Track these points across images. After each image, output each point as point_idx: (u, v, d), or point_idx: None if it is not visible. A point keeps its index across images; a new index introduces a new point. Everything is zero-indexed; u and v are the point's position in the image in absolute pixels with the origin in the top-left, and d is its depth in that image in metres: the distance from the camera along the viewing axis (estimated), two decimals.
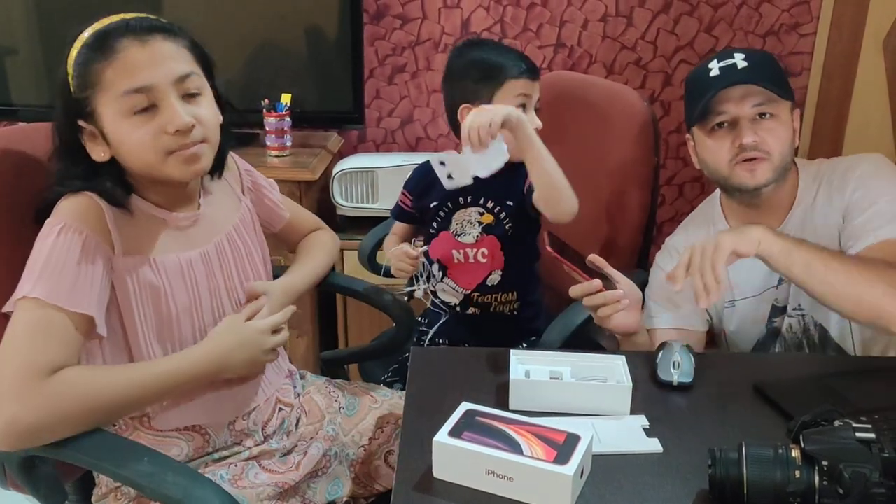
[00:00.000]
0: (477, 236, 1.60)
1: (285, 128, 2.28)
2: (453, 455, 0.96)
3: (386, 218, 2.04)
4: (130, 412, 1.15)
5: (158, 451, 1.08)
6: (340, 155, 2.54)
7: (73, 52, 1.10)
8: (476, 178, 1.37)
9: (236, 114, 1.27)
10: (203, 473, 1.18)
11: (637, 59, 2.58)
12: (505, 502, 0.93)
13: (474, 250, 1.60)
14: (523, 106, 1.48)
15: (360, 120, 2.45)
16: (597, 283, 1.22)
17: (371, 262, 1.93)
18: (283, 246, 1.53)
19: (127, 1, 2.31)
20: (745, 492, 0.88)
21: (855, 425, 0.87)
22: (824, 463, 0.85)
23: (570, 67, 2.58)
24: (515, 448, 0.94)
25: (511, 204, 1.58)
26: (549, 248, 1.24)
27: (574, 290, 1.25)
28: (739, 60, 1.37)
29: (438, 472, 0.97)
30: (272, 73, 2.39)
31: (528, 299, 1.66)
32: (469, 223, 1.60)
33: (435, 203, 1.61)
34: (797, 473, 0.87)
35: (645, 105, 1.74)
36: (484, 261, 1.60)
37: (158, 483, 1.00)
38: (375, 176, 2.33)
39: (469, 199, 1.59)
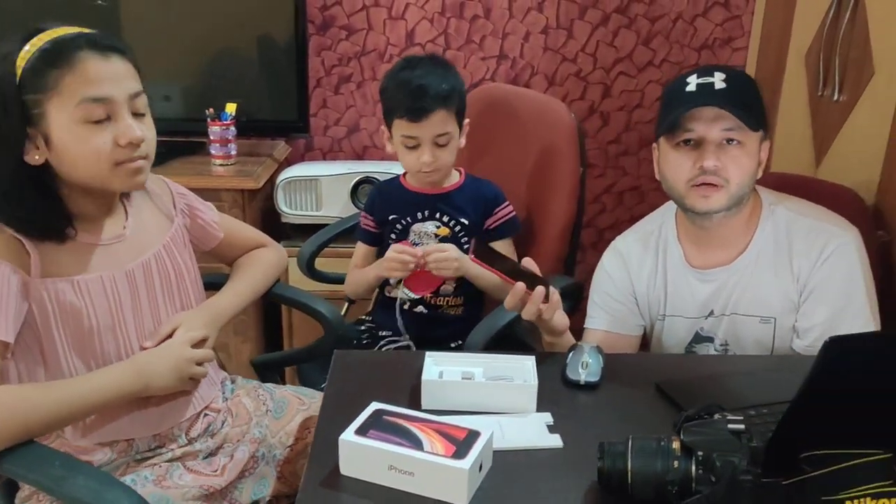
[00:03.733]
0: None
1: (230, 137, 2.31)
2: (358, 452, 1.00)
3: (328, 225, 2.09)
4: (60, 427, 1.17)
5: (71, 456, 1.10)
6: (288, 163, 2.57)
7: (24, 55, 1.10)
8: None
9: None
10: (126, 474, 1.21)
11: (577, 71, 2.65)
12: (407, 496, 0.98)
13: None
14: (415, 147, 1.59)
15: (304, 129, 2.49)
16: (520, 286, 1.25)
17: (310, 269, 1.97)
18: (220, 262, 1.55)
19: (76, 7, 2.32)
20: (630, 482, 0.94)
21: (729, 418, 0.94)
22: (700, 453, 0.92)
23: (513, 79, 2.64)
24: (416, 444, 0.99)
25: (465, 222, 1.67)
26: (471, 256, 1.30)
27: (508, 303, 1.27)
28: (718, 80, 1.34)
29: (345, 469, 1.01)
30: (217, 83, 2.43)
31: (473, 302, 1.73)
32: (426, 234, 1.68)
33: (394, 216, 1.70)
34: (676, 463, 0.93)
35: (571, 117, 1.80)
36: None
37: (69, 487, 1.01)
38: (319, 184, 2.37)
39: (426, 213, 1.68)
